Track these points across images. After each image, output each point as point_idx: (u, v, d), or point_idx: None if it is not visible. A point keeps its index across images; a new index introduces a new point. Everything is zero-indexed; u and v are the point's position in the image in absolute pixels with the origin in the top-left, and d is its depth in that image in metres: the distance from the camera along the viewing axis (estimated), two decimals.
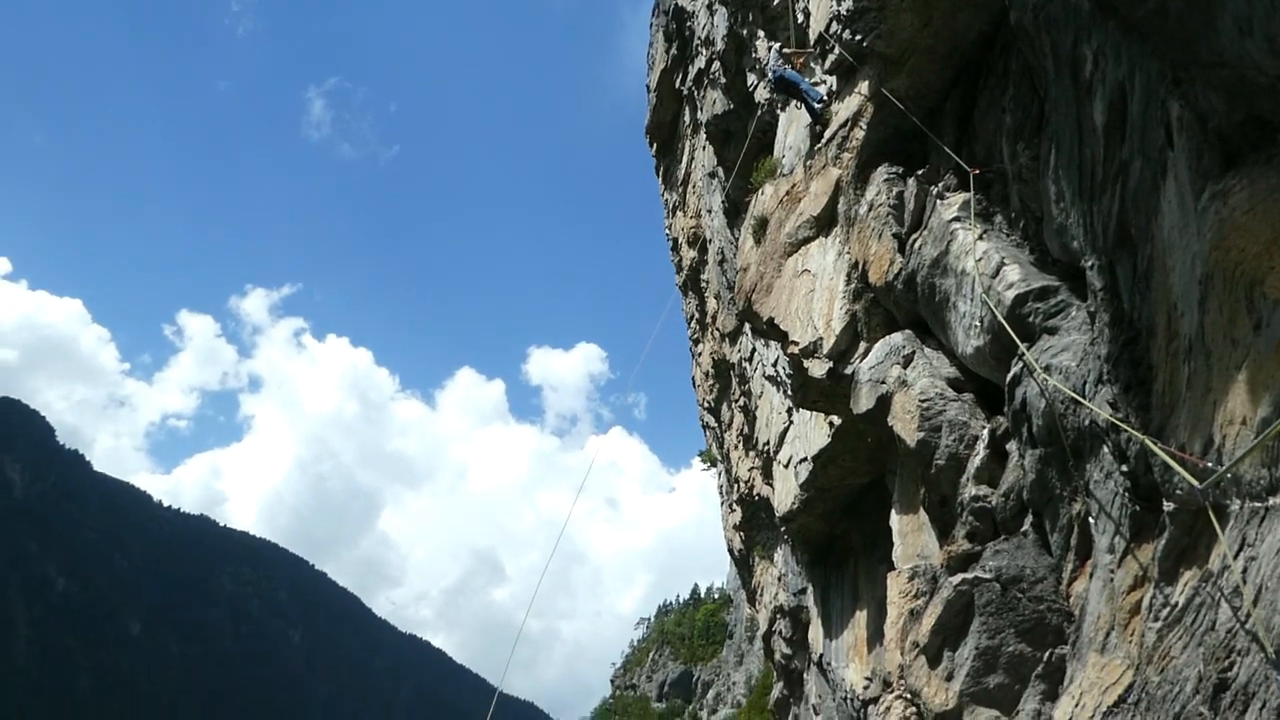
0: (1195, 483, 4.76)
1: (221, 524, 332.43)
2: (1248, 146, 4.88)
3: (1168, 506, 5.51)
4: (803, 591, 18.50)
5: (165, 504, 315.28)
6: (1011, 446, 8.49)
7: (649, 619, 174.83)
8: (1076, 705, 6.39)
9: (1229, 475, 4.59)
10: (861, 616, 13.56)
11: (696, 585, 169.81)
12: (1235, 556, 4.49)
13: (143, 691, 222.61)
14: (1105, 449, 6.46)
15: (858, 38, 11.54)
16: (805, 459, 14.98)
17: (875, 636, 12.53)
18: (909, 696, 8.78)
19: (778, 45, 15.16)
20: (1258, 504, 4.43)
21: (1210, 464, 4.75)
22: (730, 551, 28.81)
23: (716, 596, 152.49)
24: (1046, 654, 7.28)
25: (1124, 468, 6.21)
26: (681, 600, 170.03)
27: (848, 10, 11.57)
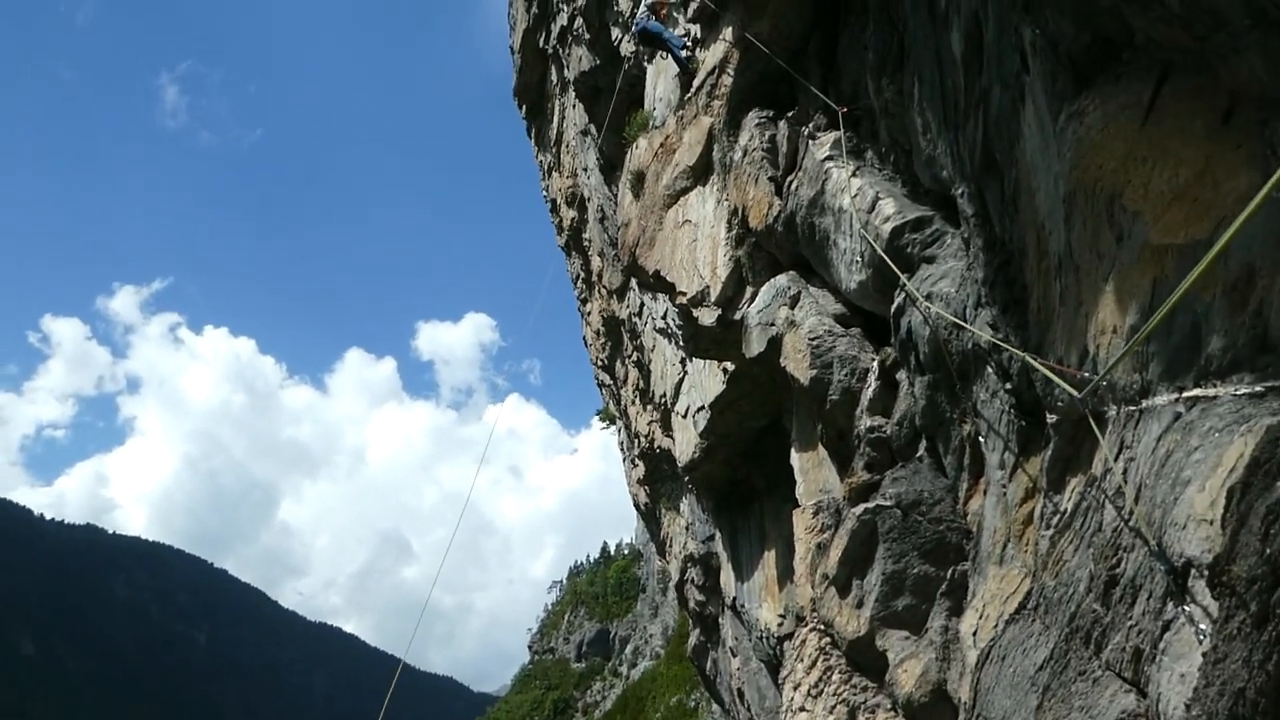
0: (1074, 393, 4.96)
1: (111, 531, 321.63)
2: (1097, 67, 5.04)
3: (1051, 418, 5.74)
4: (711, 538, 18.76)
5: (48, 517, 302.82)
6: (901, 376, 8.70)
7: (561, 581, 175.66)
8: (980, 617, 6.65)
9: (1105, 382, 4.79)
10: (770, 556, 13.82)
11: (606, 543, 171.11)
12: (1115, 459, 4.69)
13: (42, 711, 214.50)
14: (989, 369, 6.68)
15: None
16: (702, 407, 15.13)
17: (785, 574, 12.80)
18: (822, 628, 9.02)
19: (647, 2, 15.05)
20: (1132, 407, 4.63)
21: (1087, 374, 4.96)
22: (636, 506, 28.99)
23: (626, 552, 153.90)
24: (949, 572, 7.55)
25: (1008, 385, 6.43)
26: (592, 559, 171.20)
27: None
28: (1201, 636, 3.74)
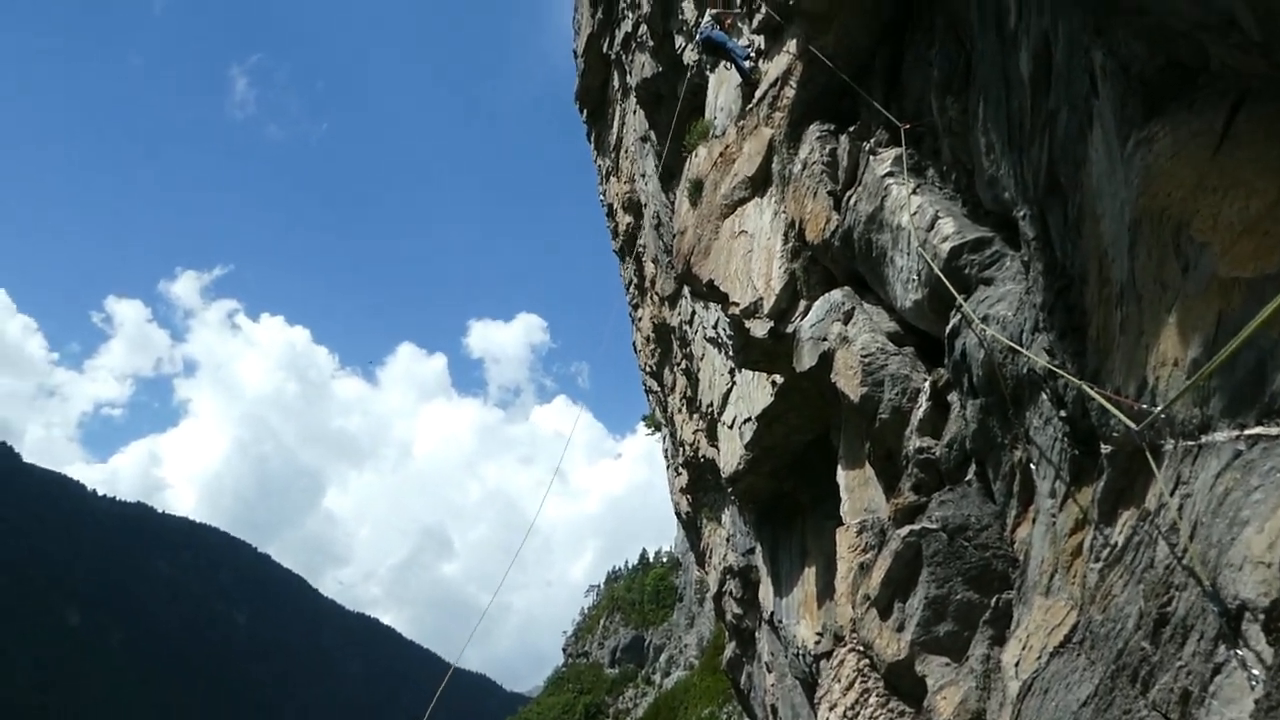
0: (1132, 425, 4.85)
1: (160, 510, 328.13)
2: (1169, 93, 4.94)
3: (1105, 449, 5.62)
4: (751, 551, 18.67)
5: (101, 493, 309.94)
6: (953, 398, 8.59)
7: (599, 586, 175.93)
8: (1024, 648, 6.54)
9: (1163, 416, 4.69)
10: (810, 573, 13.72)
11: (645, 550, 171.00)
12: (1171, 495, 4.59)
13: (85, 681, 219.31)
14: (1043, 396, 6.57)
15: None
16: (749, 419, 15.07)
17: (825, 592, 12.69)
18: (861, 649, 8.92)
19: (712, 12, 15.05)
20: (1190, 442, 4.52)
21: (1145, 406, 4.85)
22: (678, 515, 28.96)
23: (665, 560, 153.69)
24: (994, 600, 7.43)
25: (1062, 413, 6.32)
26: (631, 565, 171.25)
27: None
28: (1254, 682, 3.65)
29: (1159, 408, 4.66)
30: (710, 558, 23.44)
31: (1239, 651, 3.78)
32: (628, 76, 24.51)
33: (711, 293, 14.10)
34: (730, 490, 17.57)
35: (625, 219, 28.10)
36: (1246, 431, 4.08)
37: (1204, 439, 4.40)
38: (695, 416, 21.96)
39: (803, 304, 11.71)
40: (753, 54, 14.18)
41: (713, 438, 19.48)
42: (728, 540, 21.15)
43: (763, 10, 12.65)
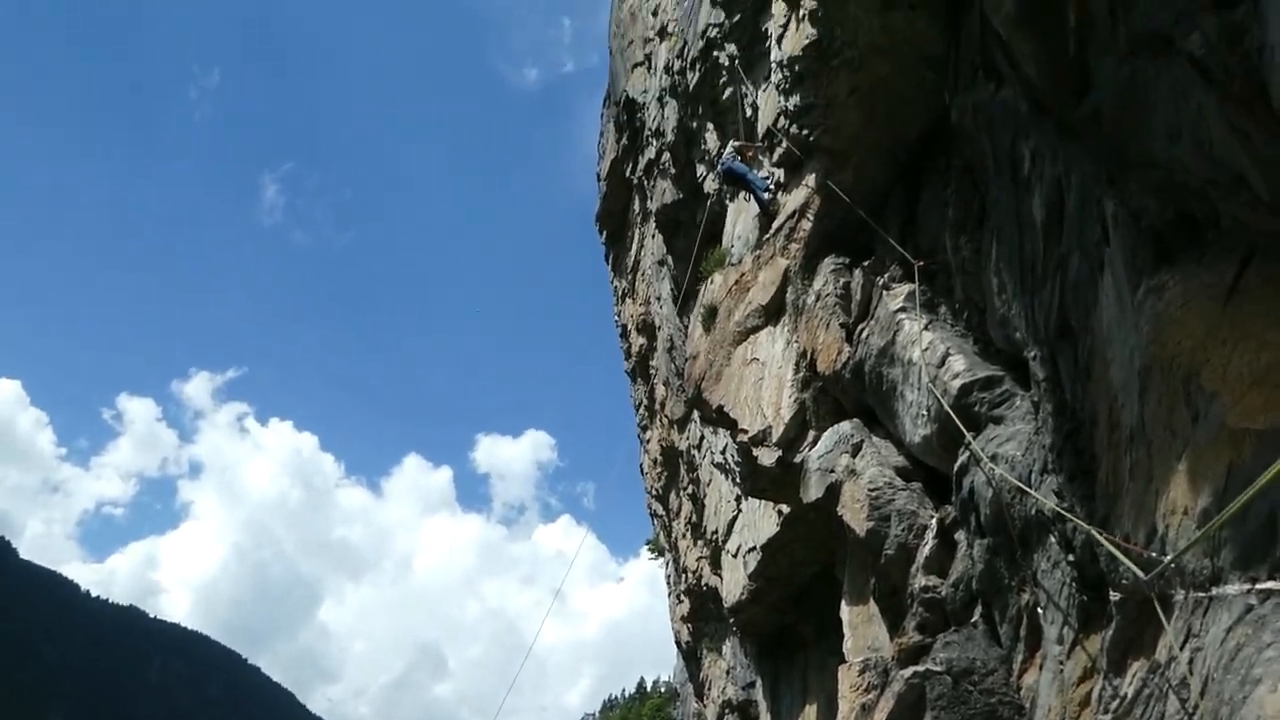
0: (1141, 573, 4.77)
1: (152, 615, 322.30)
2: (1180, 244, 5.02)
3: (1114, 596, 5.52)
4: (752, 685, 18.20)
5: (95, 594, 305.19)
6: (960, 536, 8.49)
7: (594, 715, 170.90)
8: None
9: (1173, 565, 4.62)
10: (811, 711, 13.34)
11: (643, 679, 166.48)
12: (1181, 648, 4.49)
13: None
14: (1052, 538, 6.49)
15: (805, 132, 11.84)
16: (754, 548, 14.87)
17: None
18: None
19: (735, 144, 15.43)
20: (1201, 594, 4.44)
21: (1154, 554, 4.78)
22: (678, 643, 28.35)
23: (663, 690, 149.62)
24: None
25: (1070, 557, 6.23)
26: (627, 694, 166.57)
27: (795, 105, 11.87)
28: None
29: (1169, 557, 4.60)
30: (709, 690, 22.85)
31: None
32: (648, 201, 24.98)
33: (721, 418, 14.10)
34: (732, 621, 17.23)
35: (639, 341, 28.30)
36: (1258, 585, 4.01)
37: (1215, 591, 4.33)
38: (699, 543, 21.69)
39: (811, 434, 11.69)
40: (772, 185, 14.48)
41: (716, 565, 19.20)
42: (728, 673, 20.64)
43: (784, 144, 12.98)
